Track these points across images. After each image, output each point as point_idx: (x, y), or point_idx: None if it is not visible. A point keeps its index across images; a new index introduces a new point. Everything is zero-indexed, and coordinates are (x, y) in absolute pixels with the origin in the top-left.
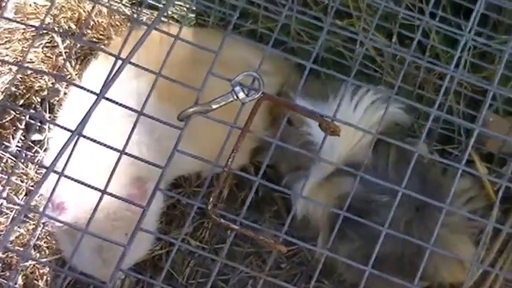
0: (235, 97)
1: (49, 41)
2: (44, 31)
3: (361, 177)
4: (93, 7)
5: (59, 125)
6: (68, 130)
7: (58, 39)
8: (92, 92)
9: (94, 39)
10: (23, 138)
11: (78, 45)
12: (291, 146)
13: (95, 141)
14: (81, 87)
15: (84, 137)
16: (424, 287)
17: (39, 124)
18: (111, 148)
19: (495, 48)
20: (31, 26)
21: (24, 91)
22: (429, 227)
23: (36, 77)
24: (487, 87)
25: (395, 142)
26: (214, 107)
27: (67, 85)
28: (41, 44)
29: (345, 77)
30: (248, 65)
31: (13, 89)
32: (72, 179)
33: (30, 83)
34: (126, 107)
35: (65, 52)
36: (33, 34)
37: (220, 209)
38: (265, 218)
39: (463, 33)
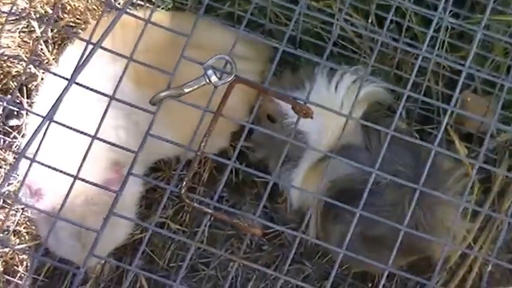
0: (207, 80)
1: (26, 25)
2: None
3: (357, 160)
4: None
5: (31, 111)
6: (39, 116)
7: (35, 23)
8: (62, 77)
9: (71, 24)
10: (0, 123)
11: (55, 29)
12: (275, 134)
13: (66, 126)
14: (53, 73)
15: (56, 122)
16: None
17: (16, 110)
18: (83, 133)
19: (469, 28)
20: (2, 12)
21: (1, 76)
22: (428, 204)
23: (13, 62)
24: (460, 68)
25: (369, 124)
26: (186, 90)
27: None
28: (18, 28)
29: (318, 59)
30: (226, 48)
31: None
32: (43, 164)
33: (7, 68)
34: (98, 92)
35: (42, 37)
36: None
37: (200, 193)
38: (245, 200)
39: (435, 13)
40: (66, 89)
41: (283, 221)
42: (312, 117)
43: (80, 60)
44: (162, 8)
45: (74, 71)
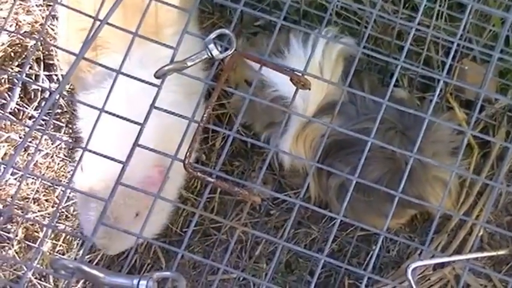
0: (209, 54)
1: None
2: None
3: (344, 113)
4: None
5: (40, 85)
6: (47, 89)
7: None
8: (71, 52)
9: None
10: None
11: None
12: (265, 101)
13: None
14: (60, 48)
15: (62, 96)
16: (412, 214)
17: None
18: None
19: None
20: None
21: (20, 50)
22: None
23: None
24: (452, 40)
25: (364, 95)
26: (189, 64)
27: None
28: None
29: (307, 30)
30: None
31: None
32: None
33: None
34: (105, 67)
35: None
36: None
37: (212, 160)
38: (254, 167)
39: None
40: (74, 64)
41: (290, 186)
42: (309, 89)
43: (87, 36)
44: None
45: (81, 47)
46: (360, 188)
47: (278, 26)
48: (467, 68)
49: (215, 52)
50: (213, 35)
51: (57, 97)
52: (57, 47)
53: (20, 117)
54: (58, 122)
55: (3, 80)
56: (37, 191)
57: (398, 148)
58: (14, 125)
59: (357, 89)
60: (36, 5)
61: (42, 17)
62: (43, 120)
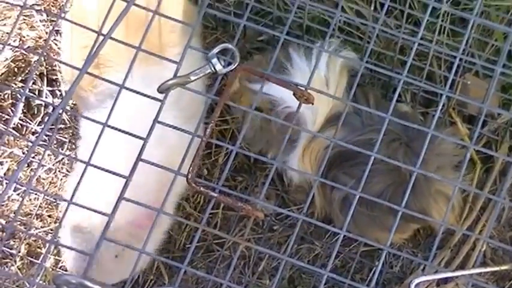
0: (212, 69)
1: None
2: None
3: (349, 124)
4: None
5: (44, 100)
6: (51, 104)
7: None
8: (74, 67)
9: None
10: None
11: None
12: (272, 117)
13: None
14: (63, 62)
15: (65, 111)
16: (415, 229)
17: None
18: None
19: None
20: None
21: (24, 65)
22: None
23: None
24: (454, 54)
25: (368, 110)
26: (193, 78)
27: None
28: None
29: (309, 44)
30: None
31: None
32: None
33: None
34: (108, 81)
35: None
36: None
37: (215, 175)
38: (257, 182)
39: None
40: (78, 79)
41: (293, 201)
42: (313, 103)
43: (90, 51)
44: None
45: (85, 62)
46: (363, 201)
47: (281, 40)
48: (470, 82)
49: (218, 67)
50: (216, 50)
51: (60, 112)
52: (61, 62)
53: (23, 133)
54: (61, 137)
55: (6, 96)
56: (40, 206)
57: (403, 159)
58: (17, 141)
59: (362, 101)
60: (40, 21)
61: (46, 33)
62: (46, 135)
